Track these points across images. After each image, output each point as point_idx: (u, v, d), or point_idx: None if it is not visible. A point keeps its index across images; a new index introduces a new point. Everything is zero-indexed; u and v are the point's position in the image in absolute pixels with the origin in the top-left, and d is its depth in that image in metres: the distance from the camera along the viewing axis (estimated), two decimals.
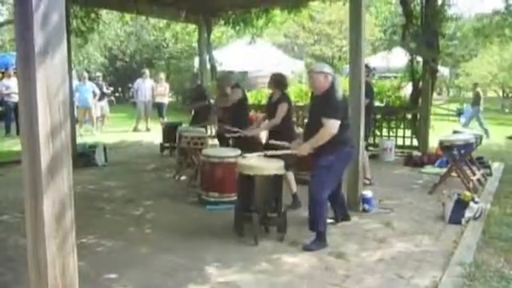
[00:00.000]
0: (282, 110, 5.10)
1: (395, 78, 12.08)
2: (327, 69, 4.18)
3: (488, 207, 5.13)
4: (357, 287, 3.29)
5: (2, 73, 13.19)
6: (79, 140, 8.98)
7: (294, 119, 5.80)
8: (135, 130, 13.05)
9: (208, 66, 10.32)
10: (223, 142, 6.59)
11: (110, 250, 4.01)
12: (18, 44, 2.08)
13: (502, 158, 8.47)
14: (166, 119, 12.24)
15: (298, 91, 11.81)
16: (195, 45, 12.98)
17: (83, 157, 7.78)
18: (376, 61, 12.97)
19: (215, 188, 5.26)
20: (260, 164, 4.26)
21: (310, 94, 4.77)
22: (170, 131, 8.52)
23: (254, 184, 4.15)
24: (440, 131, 8.77)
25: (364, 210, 5.05)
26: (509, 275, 3.40)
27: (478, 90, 13.48)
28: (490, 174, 6.86)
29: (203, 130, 7.13)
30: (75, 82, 11.58)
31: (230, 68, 12.35)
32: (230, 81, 6.47)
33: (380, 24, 23.16)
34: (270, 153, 4.42)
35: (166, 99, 13.45)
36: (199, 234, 4.37)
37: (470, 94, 16.96)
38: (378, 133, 9.18)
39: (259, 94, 12.02)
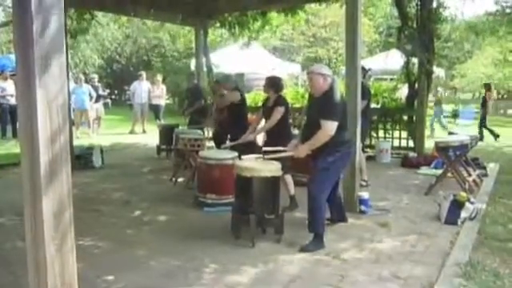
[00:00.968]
0: (279, 112, 5.12)
1: (391, 79, 12.16)
2: (326, 70, 4.20)
3: (484, 207, 5.16)
4: None
5: None
6: (76, 142, 8.97)
7: (291, 121, 5.81)
8: (132, 132, 13.05)
9: (205, 69, 10.35)
10: (220, 144, 6.59)
11: (107, 252, 4.01)
12: (17, 49, 2.10)
13: (497, 158, 8.53)
14: (162, 121, 12.26)
15: (294, 93, 11.86)
16: (192, 45, 13.00)
17: (80, 159, 7.78)
18: (372, 63, 13.03)
19: (212, 190, 5.27)
20: (257, 166, 4.28)
21: (307, 96, 4.79)
22: (166, 133, 8.53)
23: (252, 186, 4.17)
24: (435, 132, 8.82)
25: (361, 212, 5.08)
26: (504, 275, 3.43)
27: (440, 94, 13.36)
28: (486, 175, 6.91)
29: (200, 131, 7.14)
30: (72, 85, 11.58)
31: (226, 70, 12.37)
32: (227, 84, 6.45)
33: (376, 25, 23.29)
34: (267, 154, 4.44)
35: (162, 101, 13.47)
36: (196, 236, 4.38)
37: (465, 96, 17.06)
38: (375, 134, 9.23)
39: (256, 97, 12.05)
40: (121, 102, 22.32)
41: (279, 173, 4.29)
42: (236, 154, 5.22)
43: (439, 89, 12.66)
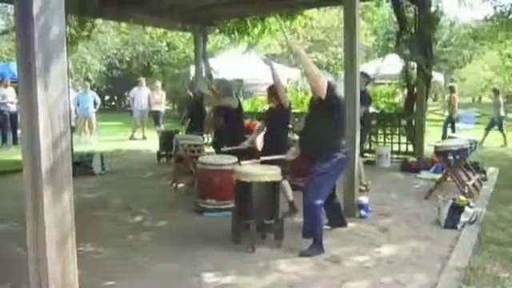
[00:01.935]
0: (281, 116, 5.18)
1: (389, 84, 12.19)
2: (327, 74, 4.24)
3: (483, 212, 5.17)
4: None
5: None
6: (77, 148, 8.99)
7: (290, 126, 5.83)
8: (132, 138, 13.07)
9: (204, 75, 10.37)
10: (220, 150, 6.60)
11: (107, 258, 4.02)
12: (19, 56, 2.13)
13: (497, 163, 8.53)
14: (162, 127, 12.28)
15: (294, 99, 11.89)
16: (190, 52, 13.04)
17: (80, 165, 7.78)
18: (370, 68, 13.06)
19: (212, 195, 5.28)
20: (257, 171, 4.30)
21: (308, 101, 4.79)
22: (166, 139, 8.55)
23: (251, 191, 4.18)
24: (435, 137, 8.83)
25: (361, 216, 5.09)
26: (504, 279, 3.44)
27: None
28: (486, 179, 6.91)
29: (200, 137, 7.16)
30: (72, 93, 11.61)
31: (226, 76, 12.39)
32: (220, 87, 6.44)
33: (373, 29, 23.37)
34: (266, 157, 4.48)
35: (162, 107, 13.49)
36: (197, 242, 4.39)
37: (465, 100, 17.09)
38: (374, 139, 9.24)
39: (256, 102, 12.08)
40: (120, 108, 22.37)
41: (279, 178, 4.31)
42: (235, 159, 5.23)
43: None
